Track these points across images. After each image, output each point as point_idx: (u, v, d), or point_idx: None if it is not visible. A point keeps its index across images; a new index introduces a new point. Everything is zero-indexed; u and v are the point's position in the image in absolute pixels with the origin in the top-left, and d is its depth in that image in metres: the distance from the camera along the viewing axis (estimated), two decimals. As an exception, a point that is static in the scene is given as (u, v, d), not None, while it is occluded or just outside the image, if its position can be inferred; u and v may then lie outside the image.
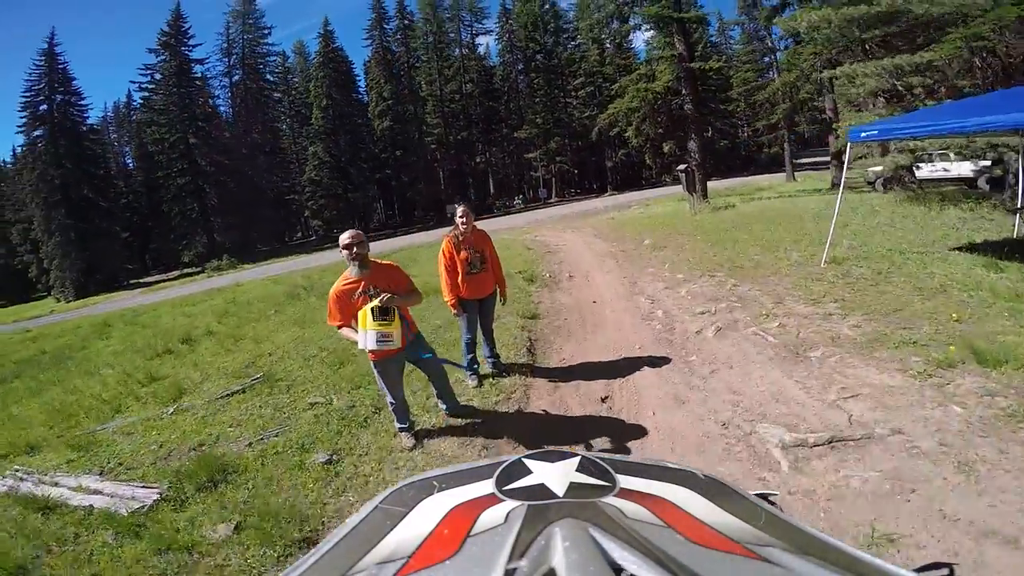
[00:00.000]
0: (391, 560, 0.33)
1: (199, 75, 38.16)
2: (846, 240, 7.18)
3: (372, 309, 2.96)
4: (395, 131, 39.07)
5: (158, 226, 36.98)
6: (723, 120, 35.51)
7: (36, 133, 33.48)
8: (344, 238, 3.10)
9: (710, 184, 17.82)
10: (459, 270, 4.03)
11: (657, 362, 4.50)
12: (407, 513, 0.40)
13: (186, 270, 34.56)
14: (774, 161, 32.96)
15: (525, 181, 43.62)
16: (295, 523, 2.76)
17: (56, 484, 3.66)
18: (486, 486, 0.43)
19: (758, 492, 0.59)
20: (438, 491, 0.44)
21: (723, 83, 32.97)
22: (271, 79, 42.50)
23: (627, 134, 21.49)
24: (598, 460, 0.47)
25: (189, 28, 37.27)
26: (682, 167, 15.76)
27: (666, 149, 26.70)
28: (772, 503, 0.53)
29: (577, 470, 0.44)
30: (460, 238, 4.01)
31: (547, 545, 0.30)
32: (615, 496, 0.39)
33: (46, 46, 33.82)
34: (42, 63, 33.68)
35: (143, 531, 2.92)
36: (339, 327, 3.22)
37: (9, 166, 41.44)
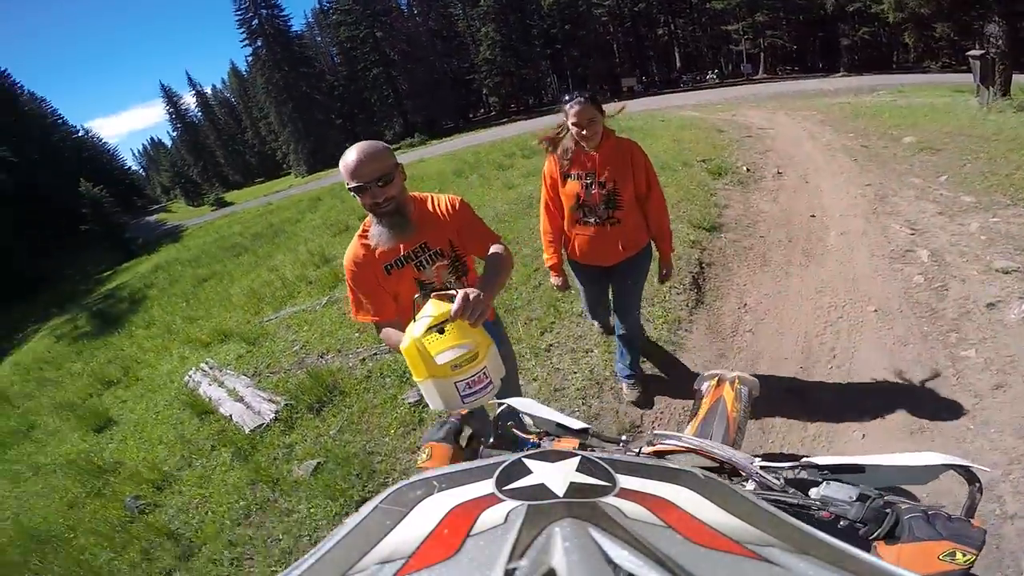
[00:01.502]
0: (391, 560, 0.33)
1: None
2: None
3: (432, 326, 1.20)
4: (562, 5, 38.17)
5: (363, 111, 42.56)
6: None
7: (256, 44, 38.85)
8: (350, 163, 1.44)
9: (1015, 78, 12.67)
10: (565, 212, 2.29)
11: (900, 343, 2.82)
12: (407, 513, 0.39)
13: (390, 146, 39.22)
14: None
15: (722, 55, 38.37)
16: (362, 478, 2.68)
17: (222, 384, 4.18)
18: (486, 486, 0.41)
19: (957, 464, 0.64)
20: (438, 491, 0.42)
21: None
22: None
23: (881, 8, 15.85)
24: (598, 460, 0.45)
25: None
26: (976, 52, 11.52)
27: (939, 31, 19.35)
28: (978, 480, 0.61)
29: (577, 470, 0.43)
30: (569, 157, 2.17)
31: (547, 545, 0.30)
32: (615, 496, 0.38)
33: None
34: None
35: (252, 454, 3.14)
36: (377, 324, 1.67)
37: (245, 75, 49.91)
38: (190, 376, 4.59)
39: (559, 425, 1.01)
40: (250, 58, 40.41)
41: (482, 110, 48.18)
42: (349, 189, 1.49)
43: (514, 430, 1.09)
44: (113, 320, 10.14)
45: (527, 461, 0.45)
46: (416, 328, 1.16)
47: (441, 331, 1.17)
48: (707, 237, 4.31)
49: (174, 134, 58.54)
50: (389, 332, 1.65)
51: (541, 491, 0.39)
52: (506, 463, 0.45)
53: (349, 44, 39.79)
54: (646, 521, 0.34)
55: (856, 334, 2.99)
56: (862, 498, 0.73)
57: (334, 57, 45.32)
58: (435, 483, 0.43)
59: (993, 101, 10.59)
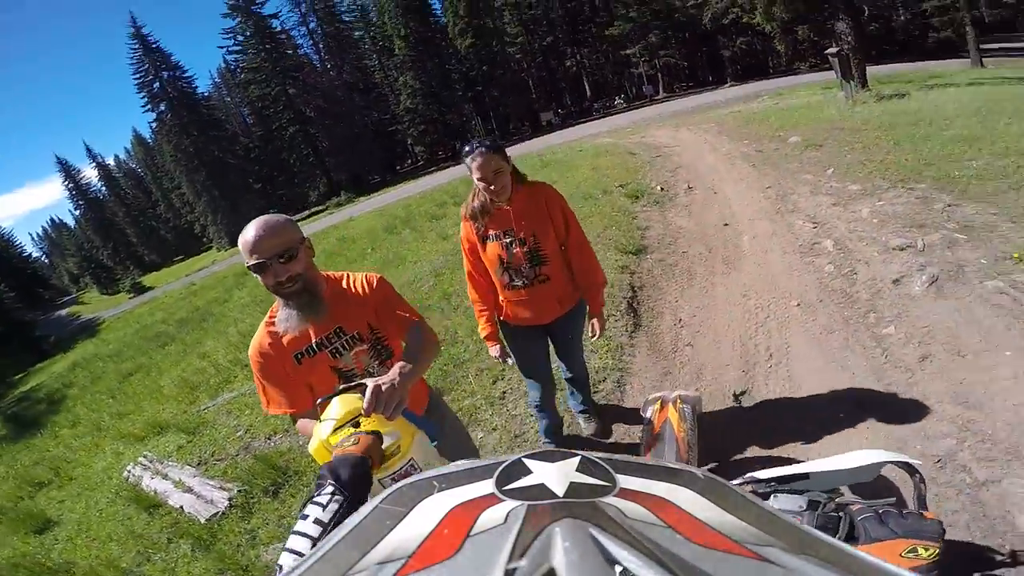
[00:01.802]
0: (391, 560, 0.33)
1: (278, 28, 39.26)
2: None
3: (340, 419, 1.11)
4: (478, 47, 39.05)
5: (282, 173, 41.35)
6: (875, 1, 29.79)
7: (160, 109, 36.63)
8: (248, 239, 1.31)
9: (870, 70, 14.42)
10: (492, 277, 2.11)
11: (826, 332, 3.03)
12: (407, 513, 0.39)
13: (314, 208, 38.26)
14: (945, 47, 28.95)
15: (626, 79, 40.98)
16: None
17: (165, 476, 4.03)
18: (486, 486, 0.41)
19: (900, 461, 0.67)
20: (438, 491, 0.42)
21: None
22: (347, 19, 43.07)
23: (752, 19, 17.85)
24: (598, 460, 0.46)
25: (253, -14, 37.82)
26: (833, 50, 12.98)
27: (800, 35, 21.94)
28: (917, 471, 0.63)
29: (577, 470, 0.43)
30: (481, 211, 1.98)
31: (547, 545, 0.30)
32: (615, 496, 0.39)
33: (132, 30, 35.86)
34: (136, 47, 36.15)
35: (213, 543, 3.02)
36: (293, 416, 1.52)
37: (151, 142, 47.80)
38: (129, 471, 4.44)
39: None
40: (154, 124, 38.15)
41: (409, 160, 48.16)
42: (248, 268, 1.34)
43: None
44: (31, 423, 9.53)
45: (527, 461, 0.45)
46: (323, 429, 1.07)
47: (356, 424, 1.09)
48: (634, 260, 4.47)
49: (76, 212, 54.30)
50: (306, 424, 1.50)
51: (541, 491, 0.39)
52: (506, 463, 0.44)
53: (261, 103, 38.66)
54: (646, 521, 0.34)
55: (786, 330, 3.17)
56: (812, 505, 0.73)
57: (246, 118, 43.88)
58: (435, 483, 0.43)
59: (856, 93, 11.94)
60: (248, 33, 37.29)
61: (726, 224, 4.96)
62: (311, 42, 41.87)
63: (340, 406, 1.09)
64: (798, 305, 3.33)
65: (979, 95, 9.59)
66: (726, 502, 0.39)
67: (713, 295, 3.77)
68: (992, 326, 2.62)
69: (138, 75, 36.37)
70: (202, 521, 3.28)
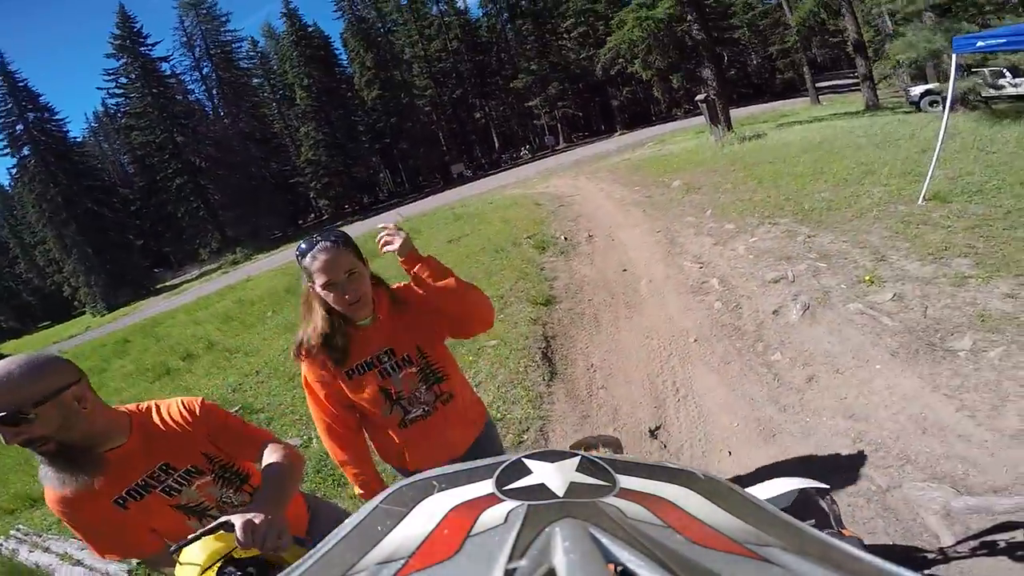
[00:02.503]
0: (391, 560, 0.33)
1: (167, 72, 37.34)
2: (937, 170, 5.04)
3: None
4: (385, 99, 39.07)
5: (169, 228, 37.90)
6: (730, 47, 34.69)
7: (23, 153, 33.23)
8: None
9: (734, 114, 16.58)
10: (372, 424, 1.56)
11: (723, 363, 3.26)
12: (407, 513, 0.40)
13: (206, 267, 35.34)
14: (789, 87, 34.12)
15: (530, 130, 43.09)
16: None
17: (47, 550, 3.65)
18: (486, 486, 0.42)
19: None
20: (438, 491, 0.43)
21: (722, 10, 32.59)
22: (245, 66, 41.46)
23: (634, 68, 20.12)
24: (598, 460, 0.46)
25: (141, 27, 35.70)
26: (701, 97, 14.99)
27: (675, 83, 24.98)
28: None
29: (577, 470, 0.44)
30: (332, 338, 1.40)
31: (547, 545, 0.30)
32: (615, 496, 0.39)
33: None
34: (0, 83, 32.92)
35: None
36: (143, 559, 1.37)
37: (9, 189, 42.26)
38: (2, 544, 4.00)
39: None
40: (14, 170, 34.35)
41: (312, 215, 46.37)
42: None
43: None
44: None
45: (527, 461, 0.45)
46: (184, 574, 0.97)
47: (231, 560, 1.00)
48: (545, 311, 4.57)
49: None
50: (162, 562, 1.29)
51: (541, 491, 0.39)
52: (506, 463, 0.44)
53: (144, 151, 35.59)
54: (646, 521, 0.34)
55: (688, 365, 3.35)
56: None
57: (126, 167, 40.28)
58: (435, 483, 0.43)
59: (723, 136, 13.57)
60: (133, 75, 34.86)
61: (624, 270, 5.27)
62: (204, 88, 39.58)
63: (201, 549, 0.98)
64: (695, 341, 3.56)
65: (819, 131, 11.33)
66: (726, 502, 0.39)
67: (619, 339, 3.93)
68: (860, 344, 2.98)
69: (0, 114, 32.54)
70: None
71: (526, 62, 38.25)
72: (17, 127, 33.03)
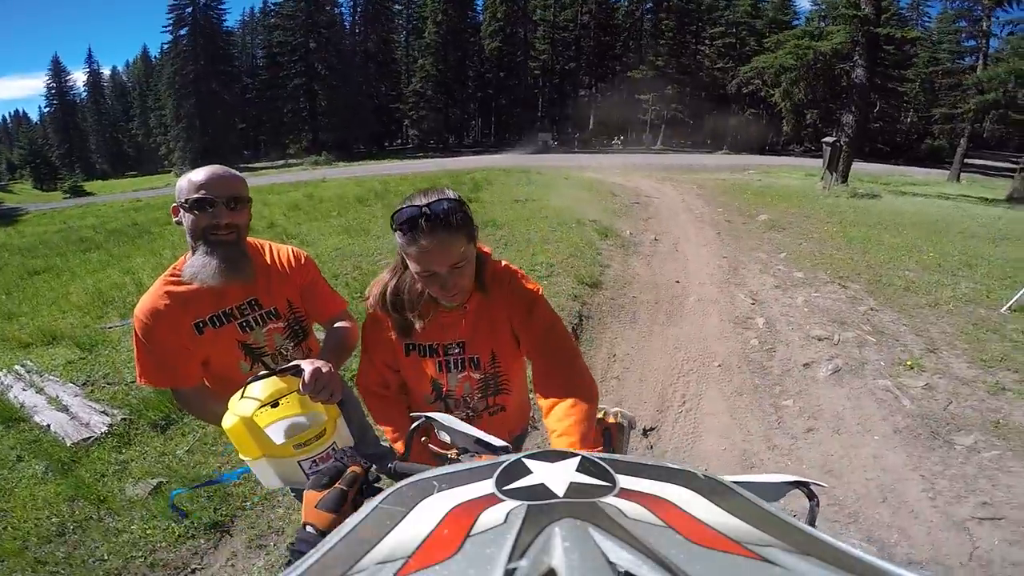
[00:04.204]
0: (391, 560, 0.33)
1: None
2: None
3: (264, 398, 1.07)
4: (503, 52, 40.09)
5: (271, 120, 41.15)
6: (889, 99, 31.80)
7: (180, 32, 37.99)
8: (198, 176, 1.24)
9: (857, 167, 15.36)
10: (411, 395, 1.37)
11: (736, 393, 3.33)
12: (407, 513, 0.39)
13: (291, 161, 37.40)
14: (934, 156, 31.11)
15: (630, 123, 41.58)
16: (213, 500, 2.46)
17: (40, 390, 3.70)
18: (486, 486, 0.41)
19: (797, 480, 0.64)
20: (438, 491, 0.42)
21: (901, 58, 29.88)
22: None
23: (770, 94, 18.70)
24: (598, 460, 0.46)
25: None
26: (829, 139, 13.69)
27: (808, 118, 23.24)
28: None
29: (577, 470, 0.43)
30: (409, 306, 1.18)
31: (547, 545, 0.30)
32: (615, 496, 0.38)
33: None
34: None
35: (73, 468, 2.82)
36: (175, 391, 1.37)
37: (153, 60, 47.67)
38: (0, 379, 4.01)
39: (478, 441, 0.89)
40: (167, 45, 39.03)
41: (399, 140, 47.64)
42: (184, 203, 1.21)
43: (431, 445, 1.02)
44: None
45: (527, 461, 0.45)
46: (243, 406, 1.02)
47: (275, 404, 1.05)
48: (588, 292, 4.70)
49: (46, 110, 52.79)
50: (194, 398, 1.34)
51: (541, 491, 0.39)
52: (506, 463, 0.45)
53: (278, 49, 38.74)
54: (646, 521, 0.34)
55: (703, 384, 3.44)
56: None
57: (257, 59, 43.53)
58: (435, 483, 0.43)
59: (833, 185, 12.74)
60: None
61: (677, 281, 5.27)
62: (351, 3, 41.96)
63: (265, 386, 1.06)
64: (719, 366, 3.62)
65: (939, 209, 10.52)
66: (726, 502, 0.39)
67: (649, 341, 4.03)
68: (871, 415, 2.99)
69: None
70: (67, 444, 3.01)
71: (653, 56, 37.23)
72: (187, 10, 37.42)
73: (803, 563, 0.29)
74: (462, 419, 1.24)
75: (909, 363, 3.51)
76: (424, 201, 1.00)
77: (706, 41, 37.07)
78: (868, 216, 8.85)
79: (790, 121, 27.58)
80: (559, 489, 0.39)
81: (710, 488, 0.41)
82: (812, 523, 0.77)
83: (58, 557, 2.27)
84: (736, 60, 31.83)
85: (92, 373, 3.91)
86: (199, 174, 1.24)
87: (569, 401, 1.09)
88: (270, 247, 1.44)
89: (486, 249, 1.20)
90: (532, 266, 5.26)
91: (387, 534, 0.36)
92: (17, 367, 4.13)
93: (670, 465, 0.47)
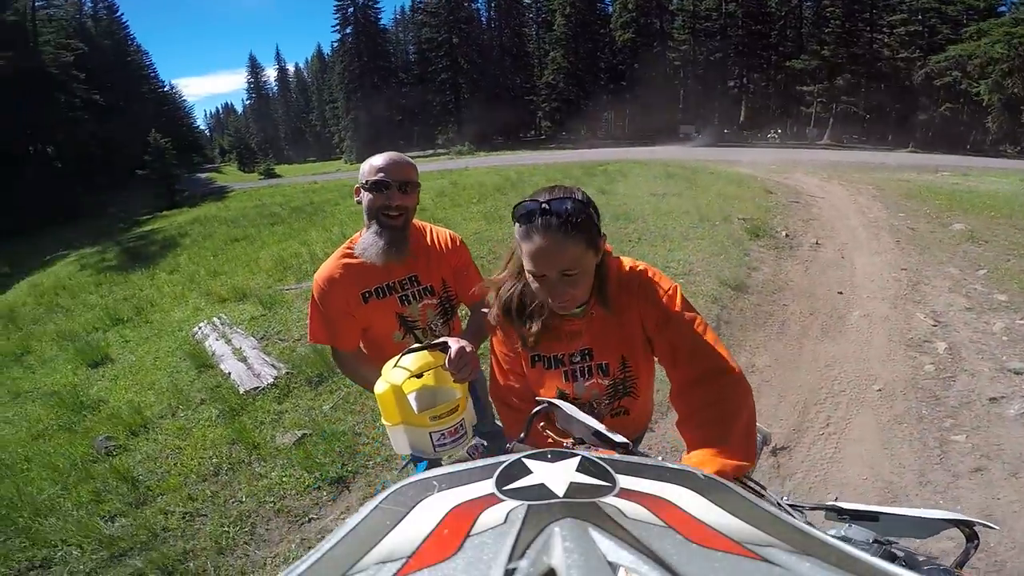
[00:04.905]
0: (391, 560, 0.32)
1: None
2: None
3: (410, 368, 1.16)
4: (637, 44, 38.96)
5: (423, 112, 44.74)
6: None
7: (347, 32, 42.58)
8: (378, 160, 1.40)
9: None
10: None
11: (895, 422, 2.93)
12: (407, 513, 0.39)
13: (439, 150, 40.58)
14: None
15: (790, 115, 37.57)
16: (343, 456, 2.72)
17: (229, 341, 4.18)
18: (486, 486, 0.41)
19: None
20: (438, 491, 0.42)
21: None
22: None
23: (975, 86, 15.44)
24: (598, 460, 0.45)
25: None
26: None
27: None
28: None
29: (577, 470, 0.43)
30: (530, 316, 1.16)
31: (547, 545, 0.30)
32: (615, 496, 0.38)
33: None
34: None
35: (239, 415, 3.16)
36: (335, 350, 1.53)
37: (326, 58, 54.84)
38: (199, 328, 4.62)
39: (596, 434, 0.87)
40: (336, 44, 44.60)
41: (533, 131, 48.79)
42: (365, 184, 1.39)
43: (548, 431, 1.04)
44: (141, 259, 10.10)
45: (527, 461, 0.45)
46: (395, 375, 1.11)
47: (419, 376, 1.16)
48: (731, 295, 4.45)
49: (247, 103, 64.42)
50: (349, 360, 1.52)
51: (541, 491, 0.39)
52: (506, 463, 0.45)
53: (427, 45, 42.16)
54: (646, 521, 0.34)
55: (855, 408, 3.10)
56: (878, 543, 0.77)
57: (410, 55, 48.01)
58: (435, 483, 0.43)
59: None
60: None
61: (840, 292, 4.72)
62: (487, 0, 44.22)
63: (416, 359, 1.15)
64: (879, 390, 3.21)
65: None
66: (726, 502, 0.39)
67: (798, 355, 3.71)
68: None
69: None
70: (241, 392, 3.35)
71: (817, 45, 33.39)
72: (349, 10, 42.28)
73: (803, 563, 0.29)
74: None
75: None
76: (547, 197, 0.97)
77: (884, 29, 32.17)
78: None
79: (998, 118, 22.28)
80: (559, 489, 0.39)
81: (710, 488, 0.41)
82: (961, 566, 0.76)
83: (206, 495, 2.56)
84: (924, 50, 27.98)
85: (269, 329, 4.48)
86: (379, 159, 1.39)
87: (721, 411, 0.97)
88: (431, 229, 1.59)
89: (612, 254, 1.13)
90: (667, 263, 5.11)
91: (387, 534, 0.36)
92: (215, 319, 4.72)
93: (670, 465, 0.47)
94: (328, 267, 1.44)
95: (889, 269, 5.29)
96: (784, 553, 0.31)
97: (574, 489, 0.39)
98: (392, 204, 1.38)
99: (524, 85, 43.59)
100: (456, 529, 0.35)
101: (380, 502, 0.42)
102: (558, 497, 0.38)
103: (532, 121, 48.18)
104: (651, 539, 0.31)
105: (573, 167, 14.44)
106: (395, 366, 1.14)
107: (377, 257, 1.39)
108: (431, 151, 40.68)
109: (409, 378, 1.11)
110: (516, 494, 0.39)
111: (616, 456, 0.51)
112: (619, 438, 0.86)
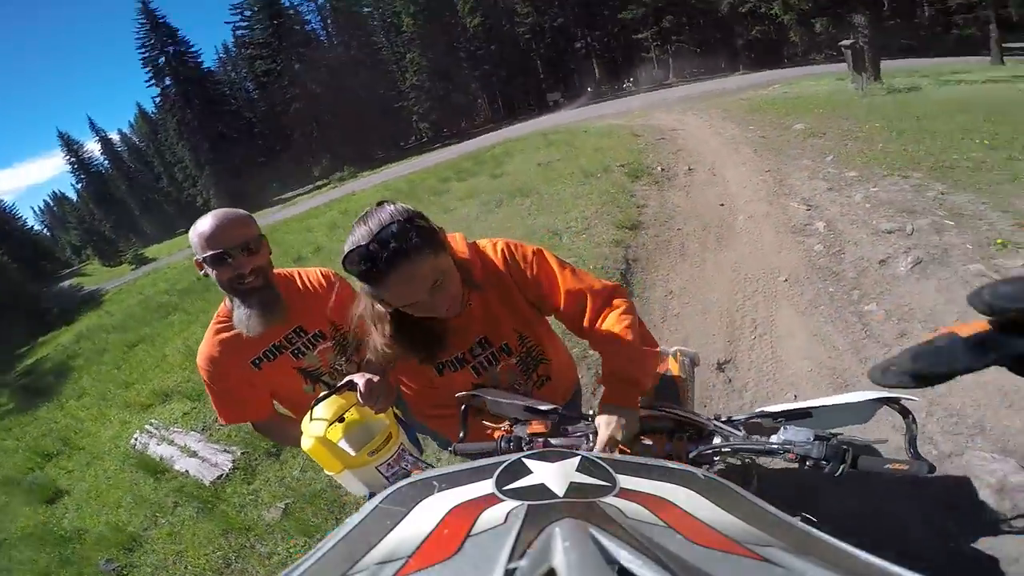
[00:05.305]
0: (391, 560, 0.32)
1: (286, 4, 39.36)
2: None
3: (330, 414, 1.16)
4: (487, 25, 39.36)
5: (286, 148, 41.68)
6: None
7: (164, 84, 38.01)
8: (205, 229, 1.22)
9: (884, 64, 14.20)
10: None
11: (812, 306, 3.13)
12: (407, 513, 0.39)
13: (318, 182, 38.33)
14: (965, 45, 28.00)
15: (635, 64, 40.30)
16: (333, 512, 2.68)
17: (171, 442, 4.13)
18: (486, 486, 0.41)
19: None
20: (438, 491, 0.42)
21: None
22: None
23: (770, 7, 17.46)
24: (598, 460, 0.45)
25: (262, -40, 37.29)
26: (847, 42, 12.86)
27: (818, 27, 21.64)
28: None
29: (577, 470, 0.43)
30: (413, 337, 1.11)
31: (547, 545, 0.30)
32: (615, 496, 0.38)
33: (140, 5, 36.31)
34: (143, 22, 36.64)
35: (217, 505, 3.10)
36: (255, 424, 1.51)
37: (152, 116, 47.54)
38: (136, 439, 4.52)
39: (527, 409, 0.93)
40: (158, 99, 39.32)
41: (414, 137, 47.87)
42: (202, 260, 1.21)
43: (484, 421, 1.06)
44: (38, 394, 9.32)
45: (527, 461, 0.45)
46: (314, 428, 1.10)
47: (341, 420, 1.14)
48: (630, 235, 4.55)
49: (78, 186, 54.36)
50: (271, 427, 1.50)
51: (541, 491, 0.39)
52: (506, 463, 0.44)
53: (266, 78, 38.90)
54: (646, 521, 0.34)
55: (772, 303, 3.27)
56: (819, 438, 0.76)
57: (250, 92, 43.83)
58: (435, 483, 0.43)
59: (867, 85, 11.90)
60: (256, 8, 37.28)
61: (722, 204, 5.03)
62: (319, 18, 41.91)
63: (327, 406, 1.14)
64: (786, 280, 3.43)
65: (990, 92, 9.57)
66: (726, 502, 0.39)
67: (704, 270, 3.87)
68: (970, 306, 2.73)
69: (144, 50, 36.86)
70: (206, 484, 3.36)
71: None
72: (159, 60, 37.39)
73: (803, 563, 0.29)
74: None
75: (1000, 241, 3.19)
76: (370, 234, 0.88)
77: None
78: (913, 108, 8.11)
79: (797, 32, 25.69)
80: (559, 489, 0.39)
81: (710, 488, 0.41)
82: (912, 445, 0.77)
83: (231, 586, 2.49)
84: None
85: (206, 419, 4.30)
86: (205, 225, 1.22)
87: (610, 318, 1.08)
88: (299, 273, 1.47)
89: (459, 246, 1.10)
90: (567, 223, 5.14)
91: (387, 534, 0.36)
92: (147, 427, 4.61)
93: (670, 465, 0.47)
94: (206, 348, 1.35)
95: (755, 174, 5.74)
96: (784, 553, 0.30)
97: (574, 489, 0.39)
98: (244, 272, 1.23)
99: (390, 93, 42.09)
100: (456, 529, 0.34)
101: (380, 502, 0.42)
102: (558, 497, 0.37)
103: (410, 127, 47.10)
104: (651, 539, 0.30)
105: (462, 160, 14.24)
106: (312, 419, 1.13)
107: (259, 327, 1.28)
108: (310, 185, 38.52)
109: (330, 425, 1.11)
110: (516, 494, 0.38)
111: (616, 456, 0.51)
112: (546, 406, 0.90)
